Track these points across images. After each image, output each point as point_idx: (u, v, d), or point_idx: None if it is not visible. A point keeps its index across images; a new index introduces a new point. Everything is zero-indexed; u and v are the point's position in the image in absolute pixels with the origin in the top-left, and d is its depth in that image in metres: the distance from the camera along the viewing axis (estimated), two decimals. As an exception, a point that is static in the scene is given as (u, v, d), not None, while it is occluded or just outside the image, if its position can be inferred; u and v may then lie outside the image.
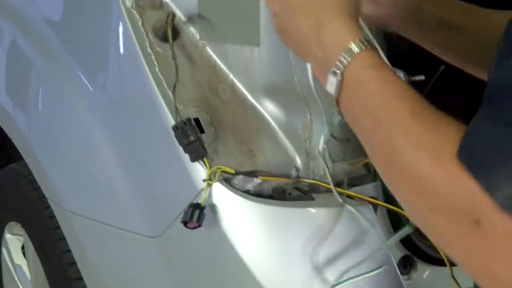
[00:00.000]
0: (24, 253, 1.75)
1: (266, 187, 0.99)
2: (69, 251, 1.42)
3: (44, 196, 1.46)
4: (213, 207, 0.96)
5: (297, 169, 1.03)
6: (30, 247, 1.67)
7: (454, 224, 0.51)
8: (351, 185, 1.02)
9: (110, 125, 1.12)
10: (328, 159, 0.98)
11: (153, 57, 1.03)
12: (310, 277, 0.93)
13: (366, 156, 1.04)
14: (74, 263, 1.41)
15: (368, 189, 1.03)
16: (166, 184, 1.06)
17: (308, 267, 0.93)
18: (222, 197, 0.96)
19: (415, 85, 1.11)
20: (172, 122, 0.99)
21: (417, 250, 1.12)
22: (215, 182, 0.96)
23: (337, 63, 0.63)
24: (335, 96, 0.64)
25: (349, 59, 0.62)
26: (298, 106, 1.01)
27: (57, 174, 1.29)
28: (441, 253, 1.02)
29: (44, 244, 1.52)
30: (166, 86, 1.02)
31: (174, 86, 0.96)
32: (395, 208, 1.00)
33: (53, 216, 1.45)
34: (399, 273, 1.00)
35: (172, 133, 0.97)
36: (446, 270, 0.92)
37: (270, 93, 1.03)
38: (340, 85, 0.63)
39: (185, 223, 0.94)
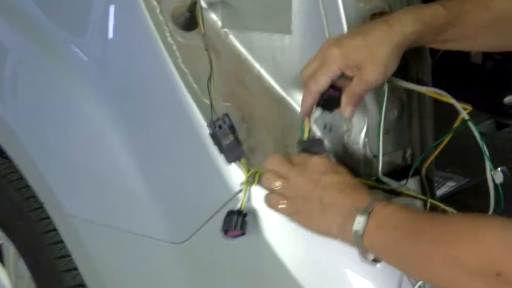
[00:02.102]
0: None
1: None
2: (63, 256, 1.32)
3: (30, 197, 1.35)
4: (252, 212, 0.88)
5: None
6: (11, 253, 1.55)
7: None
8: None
9: (124, 122, 1.01)
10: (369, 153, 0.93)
11: (175, 47, 0.94)
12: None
13: (405, 149, 0.99)
14: (70, 270, 1.31)
15: (408, 184, 0.97)
16: (193, 186, 0.97)
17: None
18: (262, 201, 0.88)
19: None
20: (200, 119, 0.91)
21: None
22: (255, 185, 0.88)
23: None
24: (363, 233, 0.72)
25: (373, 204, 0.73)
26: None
27: (55, 175, 1.18)
28: None
29: (32, 250, 1.40)
30: (191, 80, 0.93)
31: (209, 79, 0.87)
32: (442, 205, 0.95)
33: (42, 219, 1.34)
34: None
35: (202, 131, 0.90)
36: None
37: (301, 85, 0.96)
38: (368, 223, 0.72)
39: (225, 231, 0.86)
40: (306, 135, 0.87)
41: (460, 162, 1.48)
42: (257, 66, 0.98)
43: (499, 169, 0.85)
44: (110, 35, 1.00)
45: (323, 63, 0.82)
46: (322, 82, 0.82)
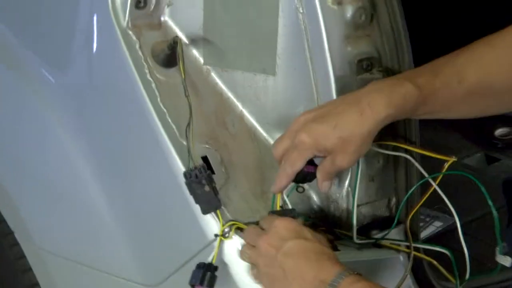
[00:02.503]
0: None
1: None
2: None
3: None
4: (225, 266, 0.85)
5: (315, 212, 0.94)
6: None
7: None
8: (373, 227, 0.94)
9: (100, 159, 0.98)
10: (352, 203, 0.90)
11: (153, 85, 0.90)
12: None
13: (389, 197, 0.96)
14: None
15: (390, 234, 0.94)
16: (168, 231, 0.93)
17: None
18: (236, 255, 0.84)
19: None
20: (177, 162, 0.87)
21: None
22: (230, 239, 0.84)
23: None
24: None
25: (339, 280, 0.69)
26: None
27: (27, 205, 1.13)
28: None
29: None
30: (170, 120, 0.89)
31: (188, 126, 0.84)
32: (420, 255, 0.92)
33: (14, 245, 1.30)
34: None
35: (179, 175, 0.86)
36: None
37: (284, 127, 0.92)
38: None
39: (192, 286, 0.82)
40: (278, 207, 0.84)
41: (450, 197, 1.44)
42: (239, 106, 0.94)
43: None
44: (87, 68, 0.96)
45: (295, 147, 0.79)
46: (297, 165, 0.79)
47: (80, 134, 0.98)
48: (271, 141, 0.93)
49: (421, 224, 1.38)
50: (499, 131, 1.81)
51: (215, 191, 0.83)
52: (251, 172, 0.92)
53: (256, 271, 0.78)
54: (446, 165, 0.85)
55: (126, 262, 0.99)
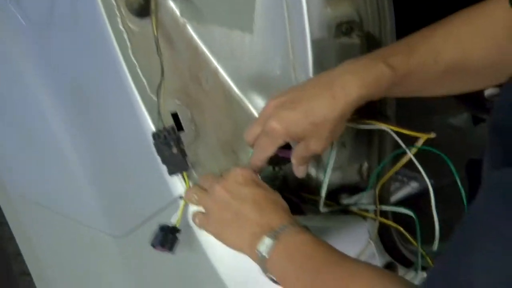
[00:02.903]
0: None
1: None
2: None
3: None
4: (188, 229, 0.84)
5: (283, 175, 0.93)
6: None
7: None
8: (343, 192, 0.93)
9: (69, 107, 0.96)
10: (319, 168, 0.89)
11: (125, 36, 0.87)
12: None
13: (361, 163, 0.94)
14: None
15: (360, 198, 0.93)
16: (135, 186, 0.92)
17: None
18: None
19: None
20: (146, 118, 0.86)
21: (400, 256, 1.05)
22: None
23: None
24: (267, 256, 0.69)
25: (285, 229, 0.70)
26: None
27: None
28: (427, 259, 0.98)
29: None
30: (140, 74, 0.87)
31: (159, 86, 0.81)
32: (386, 221, 0.92)
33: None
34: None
35: (147, 131, 0.84)
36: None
37: (259, 87, 0.90)
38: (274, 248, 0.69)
39: (153, 246, 0.81)
40: None
41: (428, 161, 1.43)
42: (214, 61, 0.92)
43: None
44: (59, 11, 0.93)
45: (266, 134, 0.76)
46: (268, 152, 0.78)
47: (50, 81, 0.95)
48: (245, 100, 0.91)
49: (398, 184, 1.38)
50: (488, 92, 1.78)
51: (183, 153, 0.82)
52: (222, 131, 0.91)
53: (205, 217, 0.77)
54: (421, 141, 0.85)
55: (94, 211, 0.99)
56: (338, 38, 0.84)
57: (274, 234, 0.69)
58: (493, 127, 0.54)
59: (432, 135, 0.83)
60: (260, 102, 0.90)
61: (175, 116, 0.87)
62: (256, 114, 0.91)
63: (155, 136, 0.80)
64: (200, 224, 0.78)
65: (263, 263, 0.69)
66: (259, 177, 0.80)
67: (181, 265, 0.92)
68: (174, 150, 0.80)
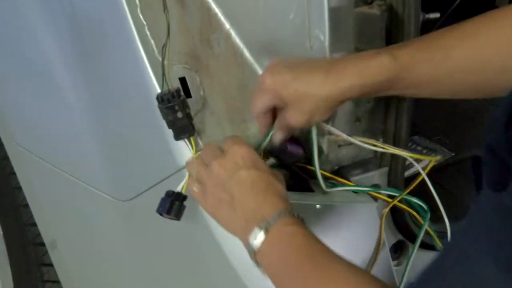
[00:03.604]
0: None
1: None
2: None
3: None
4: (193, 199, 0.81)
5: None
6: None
7: None
8: (355, 169, 0.89)
9: (78, 64, 0.92)
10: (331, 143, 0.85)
11: (134, -7, 0.82)
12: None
13: (376, 138, 0.90)
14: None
15: (373, 176, 0.90)
16: (141, 151, 0.89)
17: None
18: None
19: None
20: (153, 81, 0.82)
21: (411, 235, 1.01)
22: None
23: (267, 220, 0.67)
24: (257, 248, 0.66)
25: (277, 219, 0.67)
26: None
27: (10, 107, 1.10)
28: (435, 238, 0.95)
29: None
30: (149, 35, 0.82)
31: (164, 46, 0.77)
32: (399, 204, 0.88)
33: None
34: (390, 259, 0.91)
35: (153, 95, 0.80)
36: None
37: (273, 54, 0.85)
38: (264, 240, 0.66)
39: (160, 214, 0.79)
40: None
41: (449, 132, 1.38)
42: (227, 24, 0.87)
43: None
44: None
45: (258, 86, 0.73)
46: (257, 106, 0.76)
47: (57, 38, 0.92)
48: (257, 66, 0.87)
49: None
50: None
51: (189, 117, 0.78)
52: (231, 98, 0.87)
53: (201, 188, 0.74)
54: (430, 164, 0.87)
55: (100, 174, 0.97)
56: (358, 6, 0.79)
57: (265, 226, 0.66)
58: (486, 147, 0.49)
59: (438, 157, 0.81)
60: (273, 69, 0.86)
61: (182, 81, 0.83)
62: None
63: (159, 98, 0.76)
64: (196, 196, 0.75)
65: (252, 252, 0.67)
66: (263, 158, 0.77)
67: (185, 235, 0.90)
68: (179, 114, 0.76)
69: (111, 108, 0.91)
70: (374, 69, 0.67)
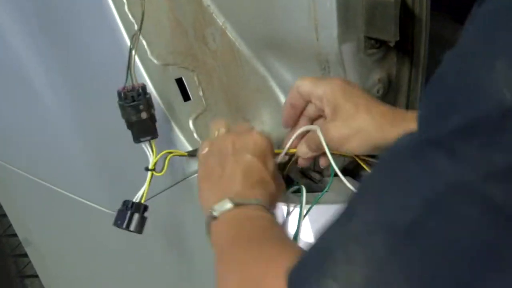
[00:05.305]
0: None
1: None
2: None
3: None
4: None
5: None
6: None
7: None
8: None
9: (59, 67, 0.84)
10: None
11: (121, -13, 0.75)
12: None
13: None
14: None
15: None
16: (124, 158, 0.82)
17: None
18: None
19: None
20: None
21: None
22: (163, 173, 0.72)
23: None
24: (216, 214, 0.62)
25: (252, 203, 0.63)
26: (312, 69, 0.78)
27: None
28: None
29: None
30: (129, 14, 0.75)
31: (134, 35, 0.69)
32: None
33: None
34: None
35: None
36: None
37: (274, 48, 0.79)
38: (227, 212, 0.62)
39: (118, 227, 0.70)
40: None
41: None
42: (222, 18, 0.80)
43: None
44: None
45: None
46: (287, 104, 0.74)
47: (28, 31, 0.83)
48: (256, 61, 0.81)
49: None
50: None
51: (152, 119, 0.70)
52: (232, 96, 0.80)
53: (209, 153, 0.69)
54: None
55: (91, 184, 0.90)
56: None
57: (237, 202, 0.62)
58: None
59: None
60: (275, 63, 0.80)
61: (179, 82, 0.77)
62: (270, 77, 0.81)
63: (121, 95, 0.67)
64: (200, 157, 0.70)
65: (209, 223, 0.62)
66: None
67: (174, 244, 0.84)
68: (144, 114, 0.68)
69: (94, 105, 0.83)
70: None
